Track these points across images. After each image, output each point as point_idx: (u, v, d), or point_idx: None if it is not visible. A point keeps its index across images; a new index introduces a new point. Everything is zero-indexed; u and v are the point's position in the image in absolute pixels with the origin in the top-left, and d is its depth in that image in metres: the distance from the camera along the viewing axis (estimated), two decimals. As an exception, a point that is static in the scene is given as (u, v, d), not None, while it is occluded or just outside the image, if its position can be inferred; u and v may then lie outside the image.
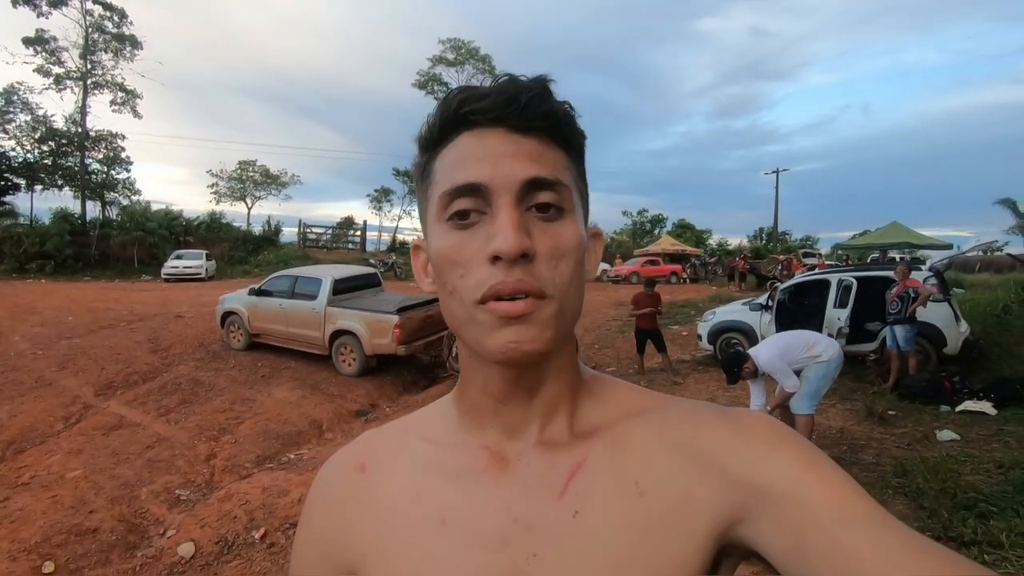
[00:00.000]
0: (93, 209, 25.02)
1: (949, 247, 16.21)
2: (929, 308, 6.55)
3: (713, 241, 41.89)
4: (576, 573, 0.43)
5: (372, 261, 21.22)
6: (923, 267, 7.55)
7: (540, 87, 0.43)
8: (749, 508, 0.40)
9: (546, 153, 0.44)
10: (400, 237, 32.57)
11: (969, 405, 5.46)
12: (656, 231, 40.38)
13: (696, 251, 30.71)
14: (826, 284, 7.48)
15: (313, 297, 8.66)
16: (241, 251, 25.55)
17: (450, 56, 30.92)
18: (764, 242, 39.89)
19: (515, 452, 0.48)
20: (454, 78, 31.51)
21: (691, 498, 0.42)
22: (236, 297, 9.75)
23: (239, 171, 34.87)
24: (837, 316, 7.02)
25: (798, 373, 4.04)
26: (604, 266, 25.92)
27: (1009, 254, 12.75)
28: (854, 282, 7.16)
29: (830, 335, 6.01)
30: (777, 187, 37.08)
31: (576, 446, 0.47)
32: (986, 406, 5.39)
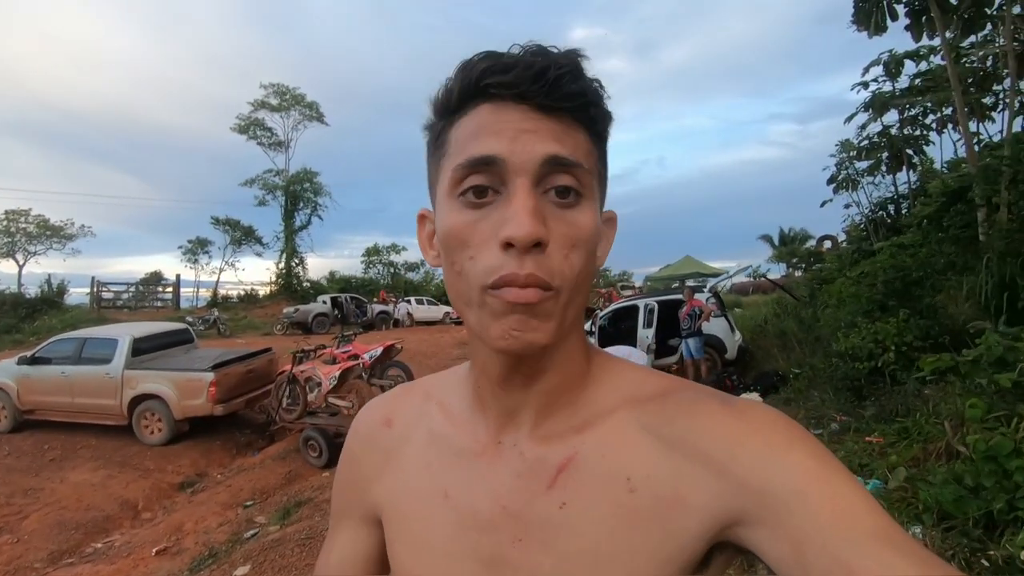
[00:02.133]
0: None
1: (725, 274, 19.87)
2: (711, 322, 8.01)
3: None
4: (558, 561, 0.43)
5: (190, 319, 19.00)
6: (705, 290, 9.20)
7: (571, 63, 0.40)
8: (749, 511, 0.38)
9: (569, 133, 0.41)
10: (222, 292, 29.60)
11: (744, 396, 6.75)
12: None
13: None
14: (636, 309, 8.70)
15: (107, 361, 7.58)
16: (11, 317, 21.03)
17: (273, 101, 29.73)
18: (589, 278, 43.82)
19: (510, 441, 0.48)
20: (279, 123, 30.31)
21: (682, 497, 0.41)
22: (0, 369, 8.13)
23: (6, 222, 28.97)
24: (646, 335, 8.20)
25: None
26: (447, 309, 26.40)
27: (768, 279, 15.91)
28: (656, 306, 8.47)
29: (644, 351, 7.04)
30: (595, 229, 41.37)
31: (570, 438, 0.46)
32: (755, 396, 6.71)
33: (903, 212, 13.16)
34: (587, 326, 9.29)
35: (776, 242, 32.13)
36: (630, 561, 0.41)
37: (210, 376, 7.26)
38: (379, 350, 7.81)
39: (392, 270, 36.53)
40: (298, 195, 29.97)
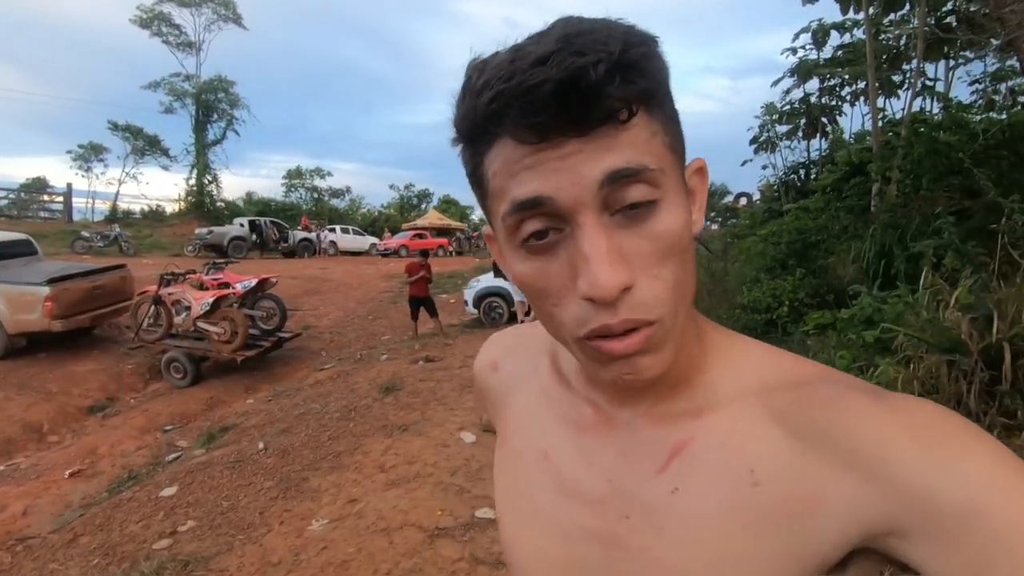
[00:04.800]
0: None
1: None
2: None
3: (475, 216, 44.79)
4: (669, 545, 0.40)
5: (87, 234, 17.37)
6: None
7: (608, 53, 0.31)
8: (909, 522, 0.33)
9: (622, 132, 0.33)
10: (123, 205, 27.03)
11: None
12: (423, 206, 41.36)
13: (461, 226, 32.49)
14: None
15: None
16: None
17: (181, -7, 26.32)
18: (518, 218, 44.00)
19: (623, 419, 0.45)
20: (189, 21, 27.06)
21: (818, 498, 0.36)
22: None
23: None
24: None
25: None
26: (373, 240, 25.77)
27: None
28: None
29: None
30: (528, 169, 41.24)
31: (686, 423, 0.42)
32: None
33: (812, 177, 14.21)
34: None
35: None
36: (748, 557, 0.38)
37: (45, 290, 6.91)
38: (253, 281, 7.80)
39: (316, 195, 34.84)
40: (211, 105, 27.34)
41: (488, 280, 9.62)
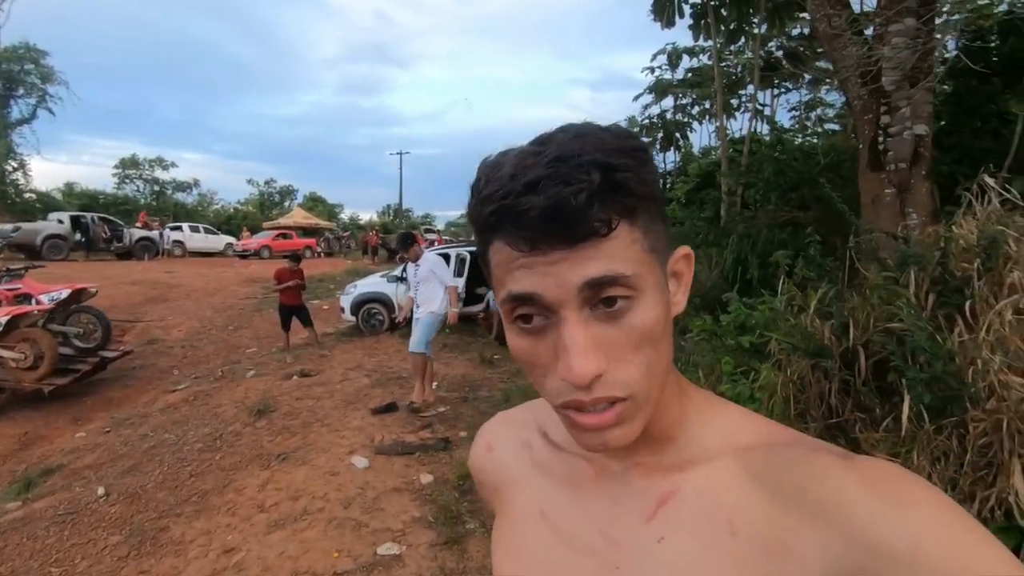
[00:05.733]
0: None
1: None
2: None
3: (345, 215, 42.76)
4: None
5: None
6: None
7: (589, 181, 0.37)
8: (867, 568, 0.37)
9: (603, 243, 0.38)
10: None
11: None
12: (287, 203, 38.54)
13: (329, 225, 30.87)
14: (447, 257, 8.86)
15: None
16: None
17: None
18: (392, 218, 43.07)
19: (616, 470, 0.49)
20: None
21: (788, 547, 0.40)
22: None
23: None
24: (456, 284, 8.45)
25: (414, 320, 5.17)
26: (229, 240, 23.40)
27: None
28: (468, 256, 8.75)
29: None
30: (401, 168, 40.60)
31: (671, 475, 0.47)
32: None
33: (669, 187, 15.61)
34: (398, 272, 9.20)
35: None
36: None
37: None
38: (64, 292, 6.54)
39: (156, 188, 30.75)
40: (15, 78, 22.91)
41: (367, 284, 9.15)
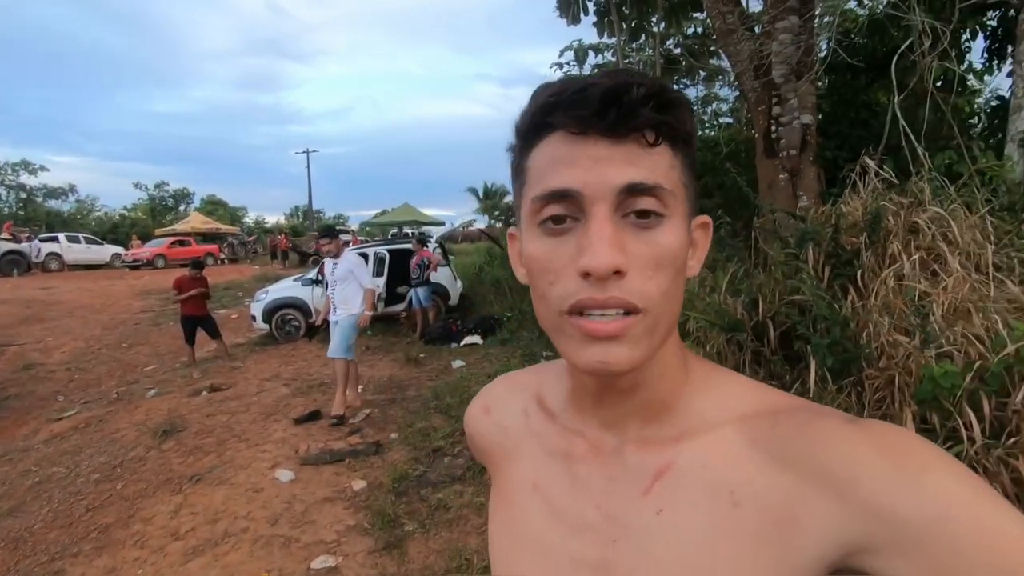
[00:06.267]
0: None
1: (442, 224, 21.16)
2: (438, 272, 8.49)
3: (250, 219, 40.31)
4: (654, 567, 0.42)
5: None
6: (431, 240, 9.63)
7: (648, 85, 0.38)
8: (879, 537, 0.36)
9: (648, 153, 0.39)
10: None
11: (467, 340, 7.47)
12: (182, 208, 35.61)
13: (233, 229, 28.93)
14: (365, 257, 8.57)
15: None
16: None
17: None
18: (301, 220, 41.07)
19: (610, 445, 0.48)
20: None
21: (796, 518, 0.39)
22: None
23: None
24: (376, 284, 8.20)
25: (332, 323, 4.89)
26: (116, 250, 21.29)
27: (479, 229, 17.52)
28: (387, 255, 8.53)
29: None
30: (309, 167, 38.77)
31: (669, 447, 0.45)
32: (477, 338, 7.49)
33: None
34: (313, 275, 8.78)
35: (481, 195, 35.46)
36: (731, 575, 0.40)
37: None
38: None
39: (23, 195, 27.33)
40: None
41: (280, 289, 8.67)
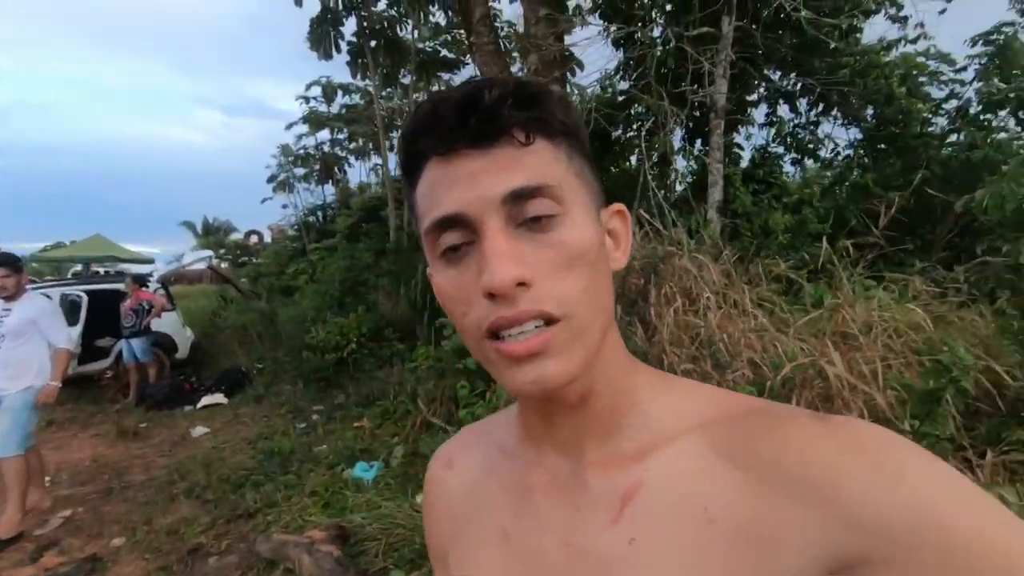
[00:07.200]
0: None
1: (151, 261, 17.49)
2: (162, 318, 6.87)
3: None
4: None
5: None
6: (151, 280, 7.79)
7: (504, 86, 0.37)
8: (870, 548, 0.33)
9: (523, 155, 0.37)
10: None
11: (207, 400, 6.16)
12: None
13: None
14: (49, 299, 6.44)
15: None
16: None
17: None
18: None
19: (567, 472, 0.45)
20: None
21: (775, 533, 0.36)
22: None
23: None
24: (71, 340, 6.20)
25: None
26: None
27: (217, 271, 15.23)
28: (84, 297, 6.55)
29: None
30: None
31: (631, 467, 0.42)
32: (220, 397, 6.24)
33: (330, 219, 15.30)
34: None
35: (199, 230, 30.81)
36: None
37: None
38: None
39: None
40: None
41: None
